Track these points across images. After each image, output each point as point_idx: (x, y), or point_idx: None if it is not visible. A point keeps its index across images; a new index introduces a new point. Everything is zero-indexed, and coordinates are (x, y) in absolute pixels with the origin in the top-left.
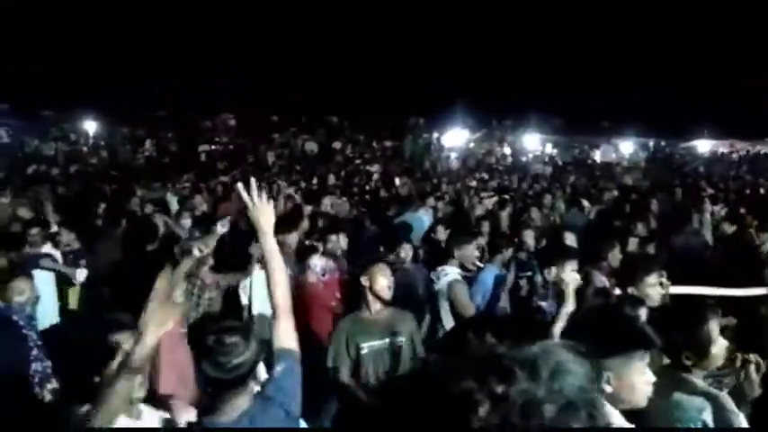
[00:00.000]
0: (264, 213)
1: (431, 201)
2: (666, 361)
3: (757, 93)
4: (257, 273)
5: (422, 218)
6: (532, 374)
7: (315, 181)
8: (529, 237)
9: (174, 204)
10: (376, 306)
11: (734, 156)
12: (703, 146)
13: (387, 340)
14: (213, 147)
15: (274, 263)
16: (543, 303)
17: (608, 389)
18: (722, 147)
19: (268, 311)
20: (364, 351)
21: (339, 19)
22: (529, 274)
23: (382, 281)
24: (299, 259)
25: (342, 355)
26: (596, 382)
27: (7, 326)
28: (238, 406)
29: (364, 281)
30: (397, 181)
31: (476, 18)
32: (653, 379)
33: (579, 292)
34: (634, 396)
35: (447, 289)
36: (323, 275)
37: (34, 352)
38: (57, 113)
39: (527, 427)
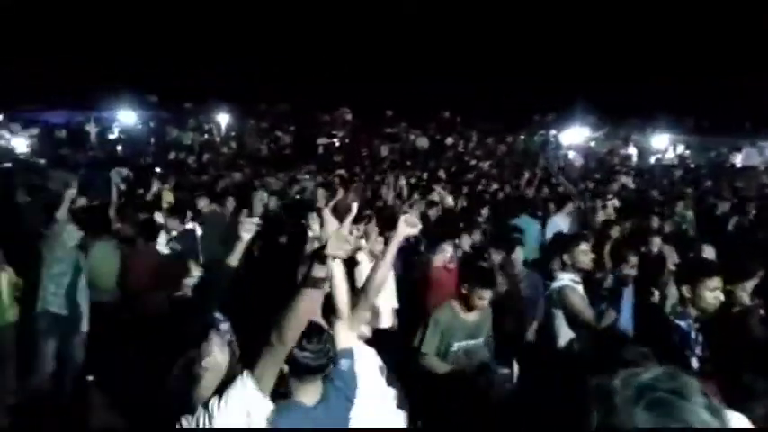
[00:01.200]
0: (339, 239)
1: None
2: None
3: None
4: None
5: (559, 224)
6: None
7: (425, 176)
8: (655, 246)
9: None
10: (473, 312)
11: None
12: None
13: (472, 342)
14: (331, 140)
15: (336, 281)
16: (681, 323)
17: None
18: None
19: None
20: (453, 349)
21: (455, 15)
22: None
23: (485, 294)
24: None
25: (432, 344)
26: None
27: None
28: (316, 391)
29: (464, 289)
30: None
31: (596, 12)
32: None
33: (722, 313)
34: None
35: (557, 295)
36: (450, 263)
37: None
38: (195, 106)
39: None
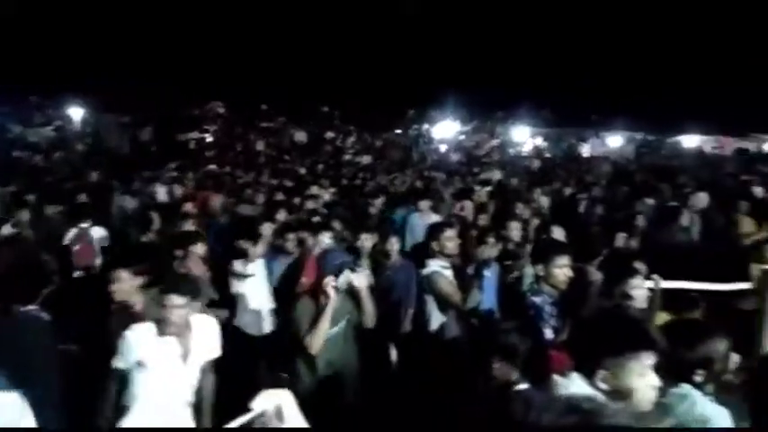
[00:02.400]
0: None
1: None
2: None
3: (743, 90)
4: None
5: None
6: None
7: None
8: (514, 229)
9: (161, 194)
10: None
11: (720, 151)
12: (689, 141)
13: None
14: (201, 135)
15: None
16: (536, 299)
17: (602, 386)
18: (708, 142)
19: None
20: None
21: (331, 9)
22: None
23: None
24: None
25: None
26: None
27: None
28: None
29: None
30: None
31: (465, 11)
32: (656, 383)
33: (572, 288)
34: (636, 397)
35: (426, 282)
36: None
37: None
38: (42, 99)
39: None
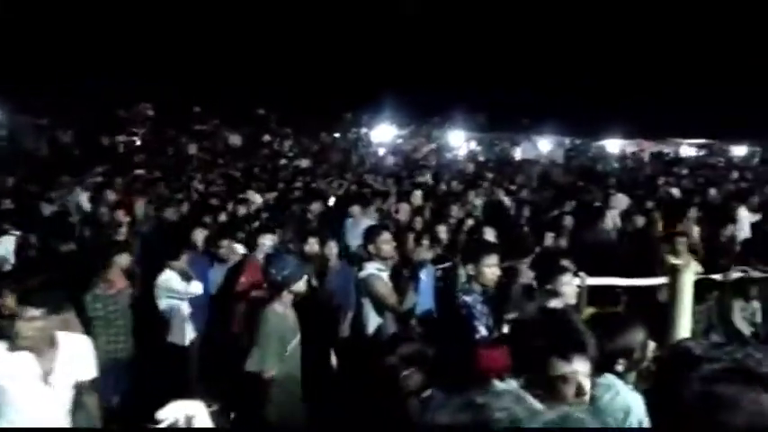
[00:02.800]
0: None
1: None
2: None
3: (661, 97)
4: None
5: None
6: None
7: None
8: (442, 232)
9: (84, 201)
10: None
11: (640, 155)
12: (613, 145)
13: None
14: (130, 138)
15: None
16: (467, 298)
17: (555, 389)
18: (630, 146)
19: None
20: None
21: (269, 10)
22: (445, 266)
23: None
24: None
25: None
26: None
27: None
28: None
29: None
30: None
31: (403, 16)
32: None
33: (502, 287)
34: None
35: (363, 284)
36: None
37: None
38: None
39: None
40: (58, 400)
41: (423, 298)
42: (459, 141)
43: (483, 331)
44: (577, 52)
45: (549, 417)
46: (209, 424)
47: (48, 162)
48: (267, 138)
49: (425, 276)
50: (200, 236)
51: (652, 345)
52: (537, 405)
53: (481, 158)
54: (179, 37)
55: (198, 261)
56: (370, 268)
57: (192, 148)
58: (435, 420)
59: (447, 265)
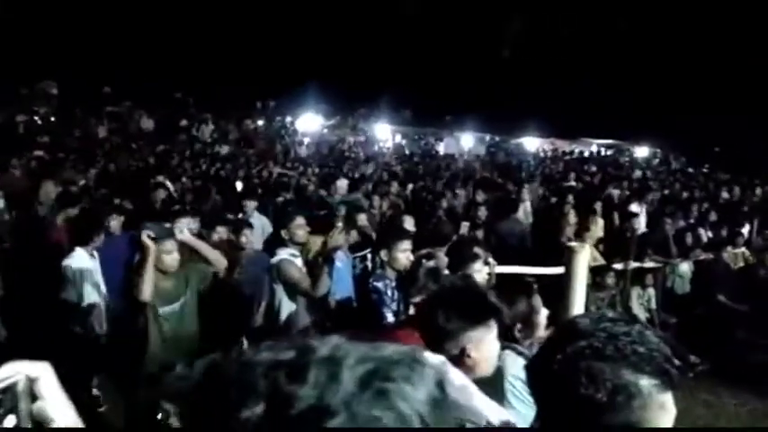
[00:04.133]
0: None
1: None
2: None
3: (575, 98)
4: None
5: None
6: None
7: (152, 161)
8: (362, 221)
9: None
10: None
11: (554, 152)
12: (530, 143)
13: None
14: (33, 117)
15: None
16: (378, 284)
17: (469, 361)
18: (545, 144)
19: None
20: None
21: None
22: (363, 254)
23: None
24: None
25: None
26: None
27: None
28: None
29: None
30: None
31: (331, 6)
32: (498, 349)
33: (408, 272)
34: (487, 366)
35: (275, 270)
36: None
37: None
38: None
39: None
40: None
41: (339, 285)
42: (386, 134)
43: (390, 317)
44: (499, 55)
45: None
46: (56, 391)
47: None
48: (184, 122)
49: (341, 263)
50: (115, 222)
51: (546, 312)
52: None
53: (406, 152)
54: (89, 9)
55: (114, 244)
56: (283, 253)
57: (102, 131)
58: None
59: (365, 252)
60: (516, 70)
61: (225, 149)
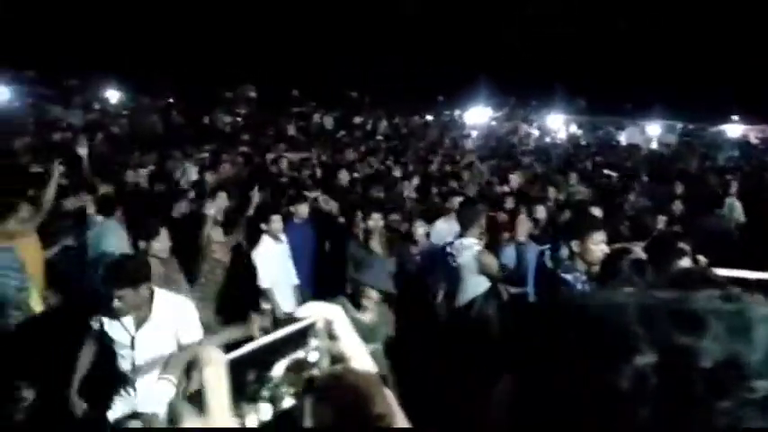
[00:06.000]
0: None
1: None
2: None
3: None
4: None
5: None
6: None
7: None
8: (540, 212)
9: (193, 174)
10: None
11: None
12: (733, 130)
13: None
14: (234, 118)
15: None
16: (568, 276)
17: None
18: (753, 132)
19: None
20: None
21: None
22: (546, 247)
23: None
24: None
25: None
26: None
27: None
28: None
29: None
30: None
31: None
32: None
33: (608, 264)
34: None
35: (474, 261)
36: None
37: None
38: (81, 82)
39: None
40: None
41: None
42: (558, 124)
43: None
44: (689, 28)
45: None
46: (351, 332)
47: (162, 138)
48: (358, 119)
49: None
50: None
51: None
52: None
53: (583, 142)
54: (279, 27)
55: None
56: (470, 243)
57: (291, 129)
58: None
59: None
60: (716, 46)
61: (396, 143)
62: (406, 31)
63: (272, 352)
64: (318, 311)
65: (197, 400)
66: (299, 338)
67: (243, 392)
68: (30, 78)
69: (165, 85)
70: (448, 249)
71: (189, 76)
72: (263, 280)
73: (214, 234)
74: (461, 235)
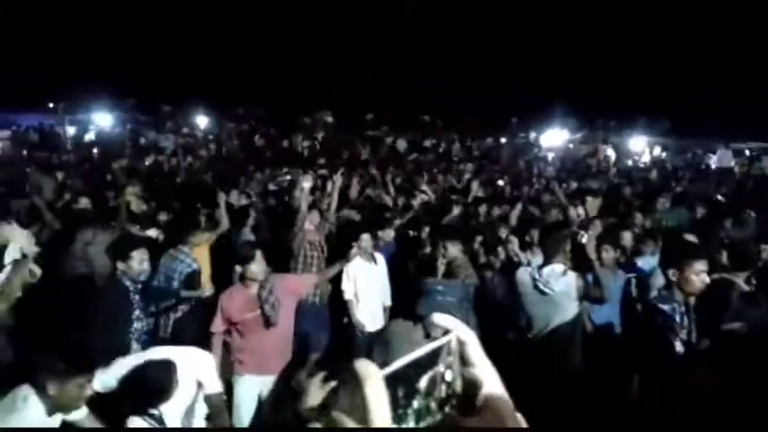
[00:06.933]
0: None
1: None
2: None
3: None
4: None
5: None
6: None
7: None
8: (627, 239)
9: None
10: None
11: None
12: None
13: None
14: (313, 142)
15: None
16: (665, 306)
17: None
18: None
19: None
20: None
21: (435, 18)
22: (633, 275)
23: None
24: None
25: None
26: None
27: (119, 290)
28: None
29: None
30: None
31: (573, 16)
32: None
33: (712, 296)
34: None
35: (572, 288)
36: None
37: (137, 312)
38: (174, 108)
39: None
40: None
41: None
42: (640, 147)
43: (679, 346)
44: None
45: None
46: (482, 355)
47: (244, 160)
48: (429, 142)
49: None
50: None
51: None
52: None
53: (668, 166)
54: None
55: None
56: (564, 269)
57: (365, 153)
58: None
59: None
60: None
61: (469, 166)
62: (475, 52)
63: (417, 366)
64: (455, 328)
65: (354, 413)
66: (439, 352)
67: (396, 406)
68: (129, 105)
69: (249, 111)
70: (536, 277)
71: (271, 102)
72: (347, 291)
73: (310, 217)
74: (546, 262)
